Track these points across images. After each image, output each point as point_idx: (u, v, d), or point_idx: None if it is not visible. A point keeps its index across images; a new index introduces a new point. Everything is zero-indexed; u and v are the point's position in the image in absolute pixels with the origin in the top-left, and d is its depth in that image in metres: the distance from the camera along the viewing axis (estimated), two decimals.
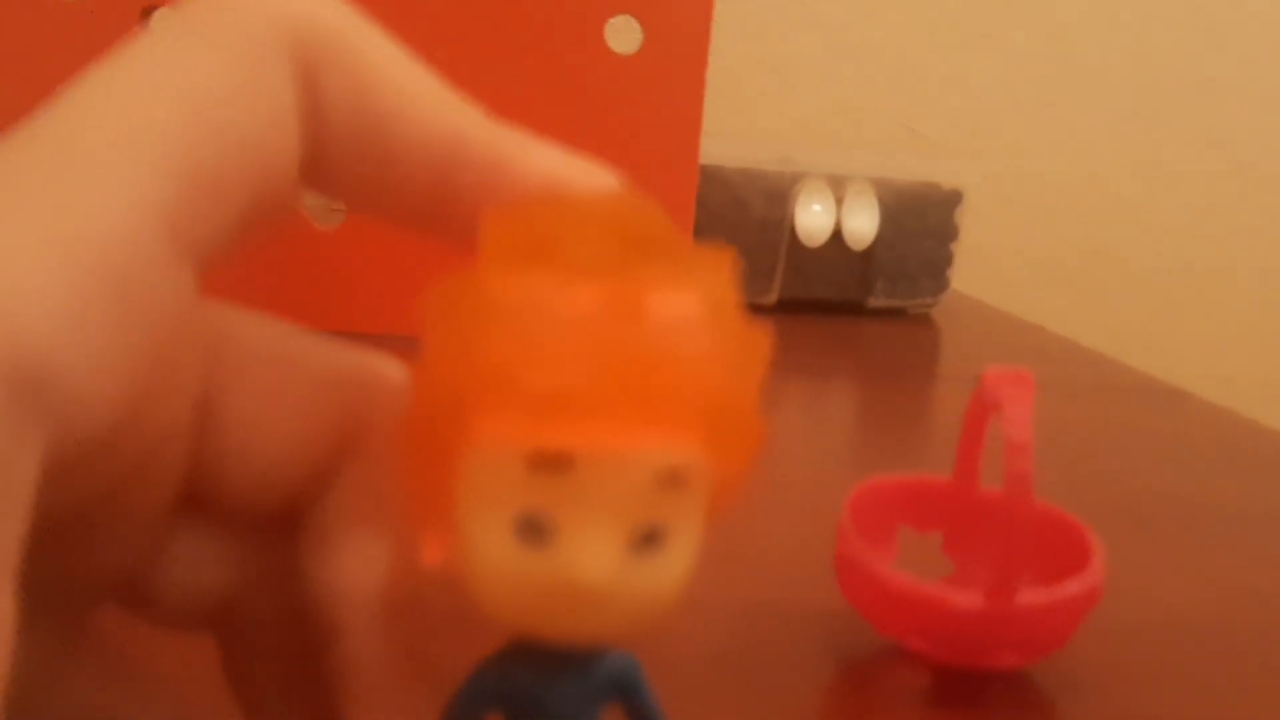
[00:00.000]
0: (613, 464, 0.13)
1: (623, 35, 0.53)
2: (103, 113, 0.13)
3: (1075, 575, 0.28)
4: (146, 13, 0.49)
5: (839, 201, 0.70)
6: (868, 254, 0.71)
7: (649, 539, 0.14)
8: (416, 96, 0.15)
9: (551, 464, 0.13)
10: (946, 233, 0.72)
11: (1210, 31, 1.01)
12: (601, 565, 0.13)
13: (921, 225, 0.71)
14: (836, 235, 0.70)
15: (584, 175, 0.16)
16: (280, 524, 0.17)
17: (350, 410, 0.17)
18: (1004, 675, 0.29)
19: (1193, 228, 1.03)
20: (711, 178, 0.67)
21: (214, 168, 0.14)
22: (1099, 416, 0.55)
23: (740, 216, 0.69)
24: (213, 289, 0.16)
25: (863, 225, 0.70)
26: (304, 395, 0.17)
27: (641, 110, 0.54)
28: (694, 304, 0.14)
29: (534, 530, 0.13)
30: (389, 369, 0.18)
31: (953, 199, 0.72)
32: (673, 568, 0.14)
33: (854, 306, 0.73)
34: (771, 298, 0.70)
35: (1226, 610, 0.34)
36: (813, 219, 0.70)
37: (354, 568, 0.16)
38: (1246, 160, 1.03)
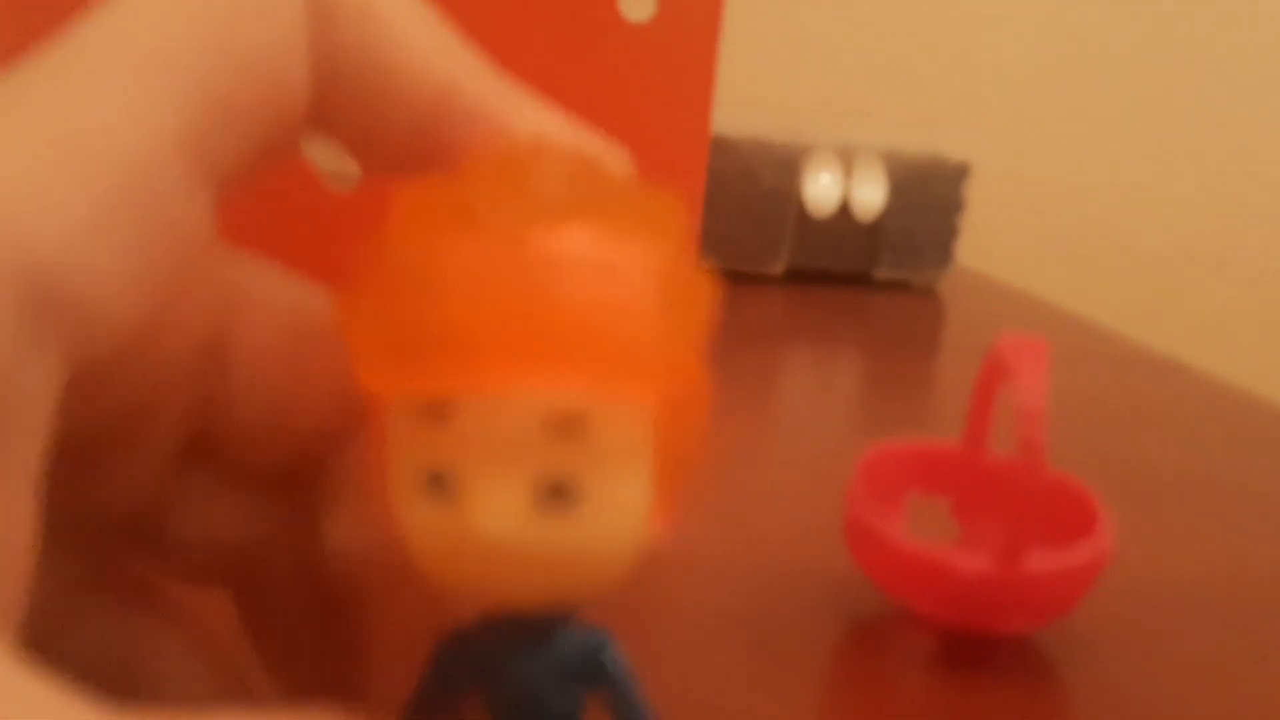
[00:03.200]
0: (493, 406, 0.13)
1: (636, 3, 0.53)
2: (120, 34, 0.13)
3: (1083, 541, 0.28)
4: None
5: (847, 173, 0.70)
6: (875, 226, 0.71)
7: (558, 492, 0.13)
8: (416, 42, 0.15)
9: (436, 411, 0.13)
10: (953, 206, 0.72)
11: (1221, 9, 1.00)
12: (501, 517, 0.13)
13: (928, 198, 0.71)
14: (844, 207, 0.70)
15: (572, 140, 0.16)
16: (293, 481, 0.17)
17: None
18: (1010, 640, 0.29)
19: (1199, 204, 1.03)
20: (721, 148, 0.67)
21: (231, 93, 0.14)
22: (1102, 390, 0.55)
23: (749, 187, 0.69)
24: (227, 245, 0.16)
25: (870, 197, 0.70)
26: (314, 349, 0.17)
27: (654, 79, 0.54)
28: (586, 240, 0.13)
29: (438, 484, 0.13)
30: None
31: (959, 173, 0.72)
32: (602, 524, 0.13)
33: (860, 278, 0.73)
34: (779, 268, 0.71)
35: (1231, 581, 0.34)
36: (821, 190, 0.70)
37: (367, 525, 0.16)
38: (1253, 138, 1.03)
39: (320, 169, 0.50)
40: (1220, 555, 0.36)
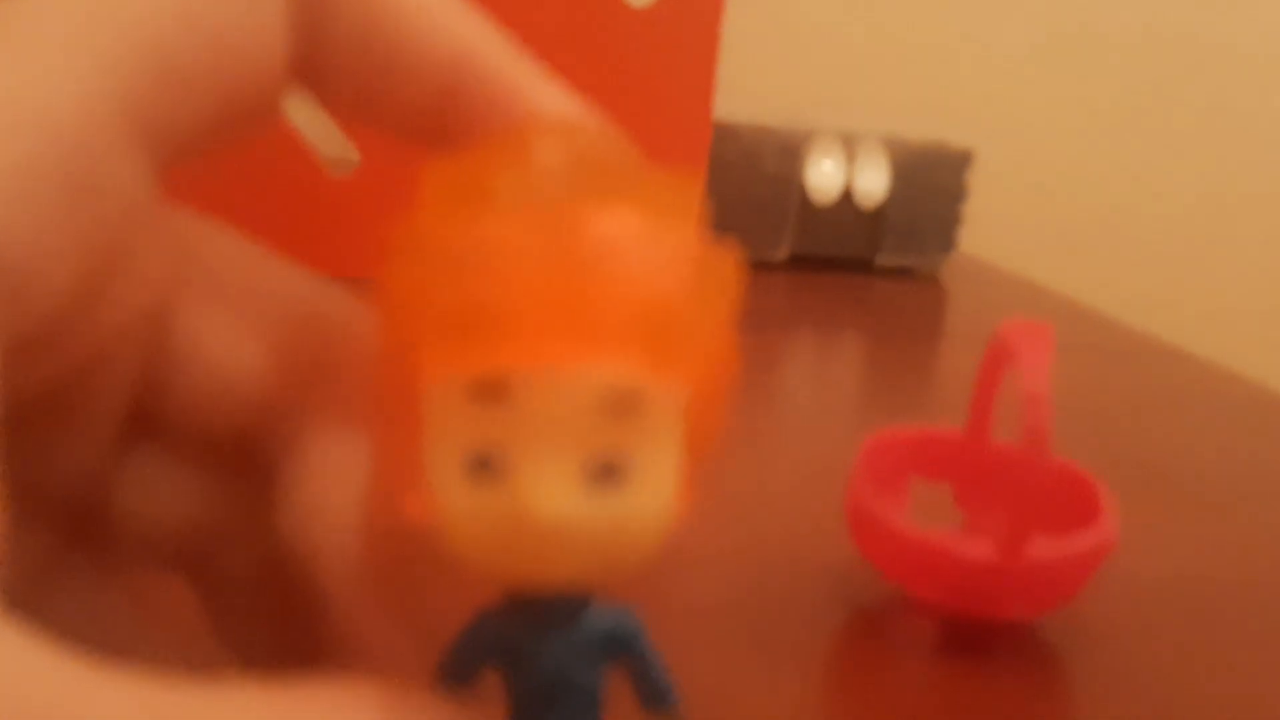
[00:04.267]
0: (550, 385, 0.13)
1: None
2: None
3: (1086, 529, 0.28)
4: None
5: (850, 160, 0.70)
6: (877, 213, 0.71)
7: (608, 470, 0.13)
8: (428, 7, 0.15)
9: (490, 392, 0.13)
10: (955, 193, 0.72)
11: None
12: (556, 498, 0.13)
13: (931, 185, 0.71)
14: (847, 193, 0.70)
15: (584, 119, 0.16)
16: (247, 461, 0.17)
17: (311, 344, 0.17)
18: (1012, 627, 0.29)
19: (1202, 192, 1.03)
20: (724, 133, 0.67)
21: (183, 57, 0.13)
22: (1104, 377, 0.55)
23: (751, 173, 0.68)
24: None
25: (873, 184, 0.70)
26: (264, 321, 0.16)
27: (657, 63, 0.53)
28: (634, 221, 0.13)
29: (487, 467, 0.13)
30: (356, 307, 0.17)
31: (962, 159, 0.72)
32: (643, 503, 0.13)
33: (862, 265, 0.73)
34: (781, 254, 0.70)
35: (1235, 569, 0.34)
36: (823, 177, 0.69)
37: (327, 494, 0.16)
38: (1257, 125, 1.03)
39: (320, 155, 0.50)
40: (1224, 544, 0.36)
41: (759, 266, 0.70)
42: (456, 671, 0.15)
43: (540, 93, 0.16)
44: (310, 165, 0.50)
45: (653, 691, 0.15)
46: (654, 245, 0.13)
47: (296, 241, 0.52)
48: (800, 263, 0.71)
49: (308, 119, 0.49)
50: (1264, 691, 0.28)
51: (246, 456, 0.17)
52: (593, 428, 0.13)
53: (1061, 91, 0.99)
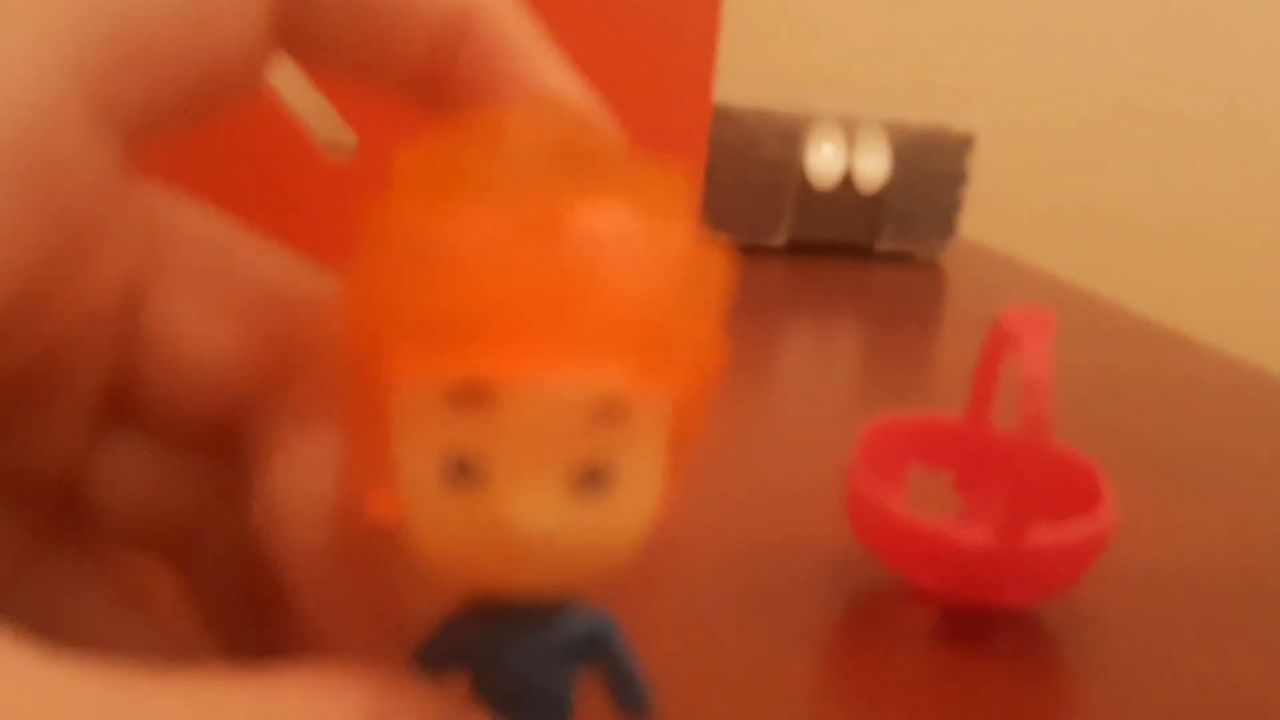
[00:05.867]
0: (538, 393, 0.12)
1: None
2: None
3: (1086, 516, 0.28)
4: None
5: (850, 144, 0.70)
6: (877, 197, 0.70)
7: (592, 478, 0.12)
8: None
9: (472, 397, 0.12)
10: (956, 178, 0.72)
11: None
12: (537, 509, 0.12)
13: (931, 170, 0.71)
14: (847, 178, 0.70)
15: (578, 96, 0.15)
16: (226, 444, 0.17)
17: (290, 325, 0.16)
18: (1012, 614, 0.29)
19: (1202, 175, 1.03)
20: (724, 117, 0.67)
21: (150, 28, 0.13)
22: (1104, 362, 0.55)
23: (751, 157, 0.68)
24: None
25: (873, 168, 0.69)
26: (241, 302, 0.16)
27: (656, 46, 0.53)
28: (623, 219, 0.12)
29: (464, 473, 0.12)
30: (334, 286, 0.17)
31: (963, 144, 0.71)
32: (627, 510, 0.13)
33: (862, 249, 0.72)
34: (781, 239, 0.70)
35: (1235, 555, 0.34)
36: (823, 161, 0.69)
37: (297, 487, 0.15)
38: (1258, 109, 1.02)
39: (317, 139, 0.50)
40: (1224, 530, 0.36)
41: (758, 252, 0.70)
42: (425, 673, 0.14)
43: (539, 58, 0.15)
44: (307, 148, 0.49)
45: (627, 694, 0.15)
46: (643, 243, 0.12)
47: (293, 226, 0.52)
48: (800, 248, 0.71)
49: (303, 101, 0.49)
50: (1261, 678, 0.27)
51: (225, 440, 0.17)
52: (578, 436, 0.12)
53: (1062, 76, 0.99)
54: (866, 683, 0.26)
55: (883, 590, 0.30)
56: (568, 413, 0.12)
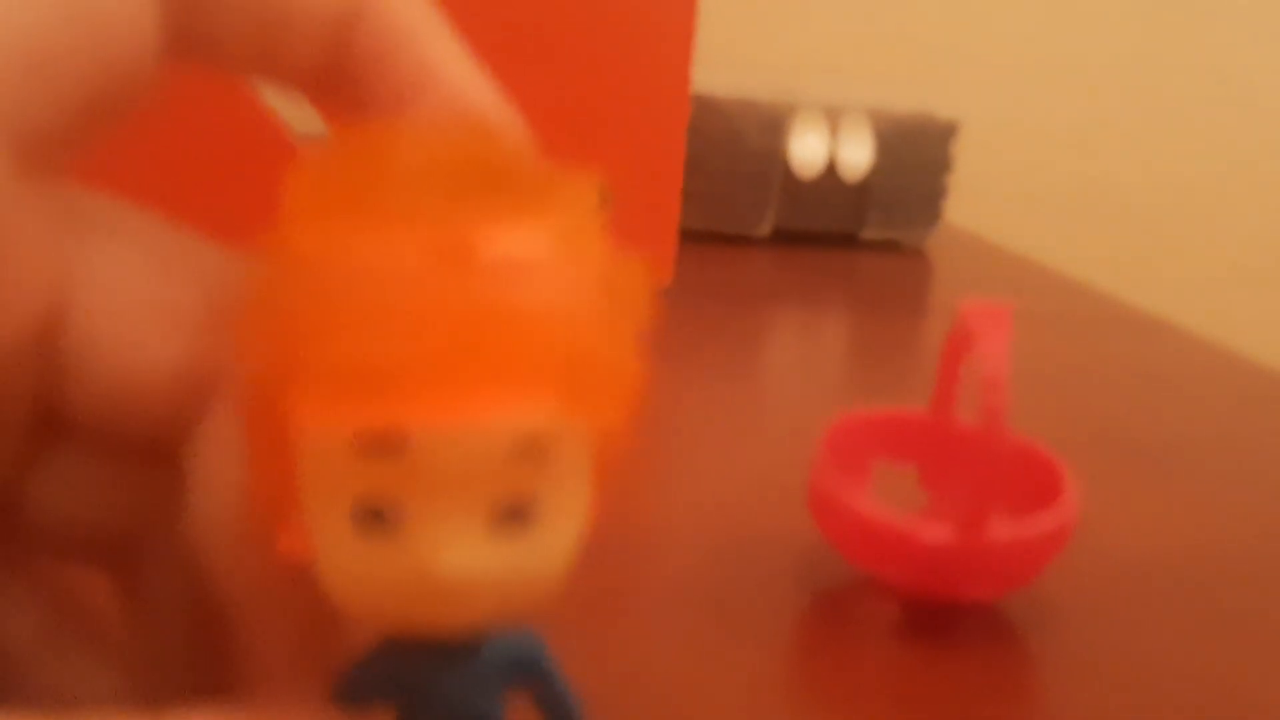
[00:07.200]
0: (451, 439, 0.11)
1: None
2: None
3: (1046, 510, 0.28)
4: None
5: (834, 133, 0.69)
6: (862, 186, 0.70)
7: (514, 514, 0.12)
8: None
9: (381, 447, 0.11)
10: (941, 165, 0.71)
11: None
12: (459, 553, 0.12)
13: (916, 158, 0.71)
14: (831, 167, 0.69)
15: (481, 95, 0.15)
16: (163, 457, 0.16)
17: (225, 334, 0.15)
18: (975, 608, 0.29)
19: (1189, 163, 1.03)
20: (706, 107, 0.67)
21: (39, 41, 0.12)
22: (1089, 350, 0.55)
23: (735, 147, 0.68)
24: (181, 205, 0.15)
25: (857, 157, 0.69)
26: (174, 309, 0.16)
27: (632, 34, 0.53)
28: (538, 242, 0.12)
29: (377, 519, 0.12)
30: None
31: (948, 131, 0.71)
32: (551, 541, 0.12)
33: (847, 239, 0.72)
34: (765, 229, 0.70)
35: (1200, 547, 0.34)
36: (807, 150, 0.69)
37: (225, 513, 0.15)
38: (1246, 93, 1.02)
39: (292, 133, 0.50)
40: (1190, 520, 0.36)
41: (742, 242, 0.70)
42: (348, 707, 0.14)
43: (435, 48, 0.15)
44: (283, 142, 0.49)
45: (560, 713, 0.15)
46: (560, 268, 0.12)
47: (260, 210, 0.51)
48: (784, 237, 0.71)
49: (279, 94, 0.49)
50: (1228, 668, 0.27)
51: (163, 452, 0.16)
52: (498, 475, 0.12)
53: (1047, 62, 0.99)
54: (830, 677, 0.26)
55: (845, 584, 0.30)
56: (487, 454, 0.12)
